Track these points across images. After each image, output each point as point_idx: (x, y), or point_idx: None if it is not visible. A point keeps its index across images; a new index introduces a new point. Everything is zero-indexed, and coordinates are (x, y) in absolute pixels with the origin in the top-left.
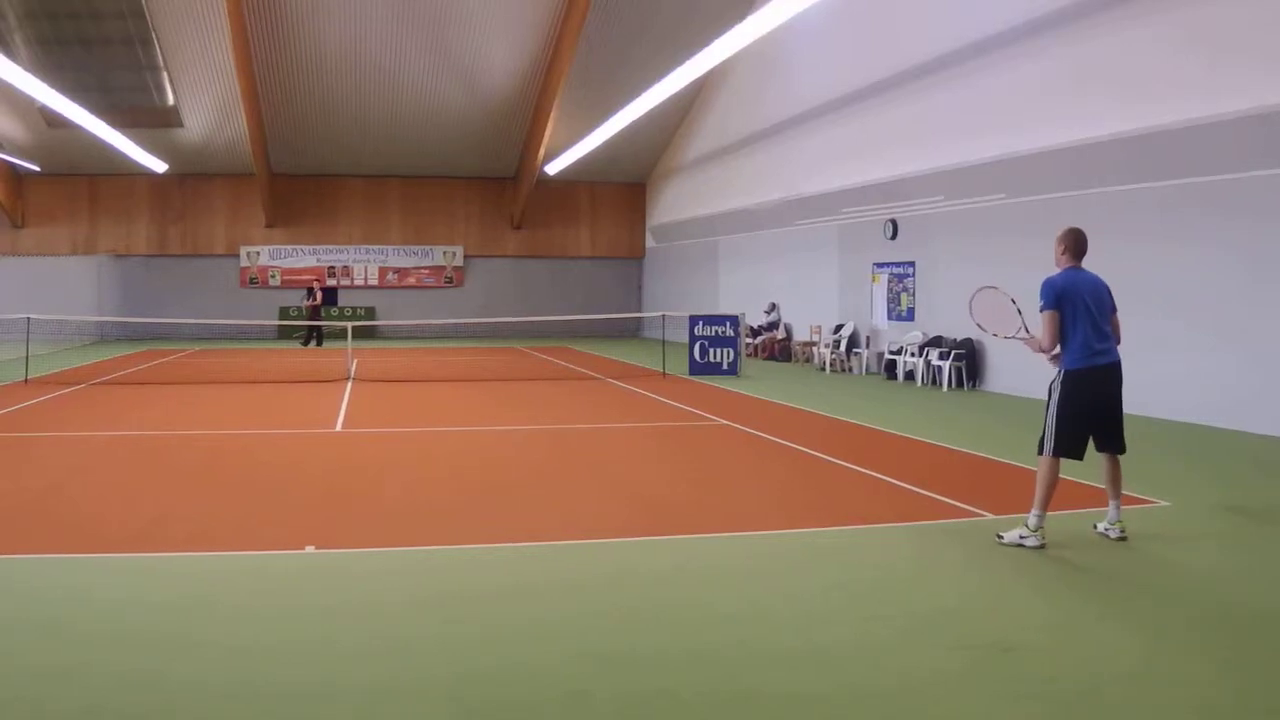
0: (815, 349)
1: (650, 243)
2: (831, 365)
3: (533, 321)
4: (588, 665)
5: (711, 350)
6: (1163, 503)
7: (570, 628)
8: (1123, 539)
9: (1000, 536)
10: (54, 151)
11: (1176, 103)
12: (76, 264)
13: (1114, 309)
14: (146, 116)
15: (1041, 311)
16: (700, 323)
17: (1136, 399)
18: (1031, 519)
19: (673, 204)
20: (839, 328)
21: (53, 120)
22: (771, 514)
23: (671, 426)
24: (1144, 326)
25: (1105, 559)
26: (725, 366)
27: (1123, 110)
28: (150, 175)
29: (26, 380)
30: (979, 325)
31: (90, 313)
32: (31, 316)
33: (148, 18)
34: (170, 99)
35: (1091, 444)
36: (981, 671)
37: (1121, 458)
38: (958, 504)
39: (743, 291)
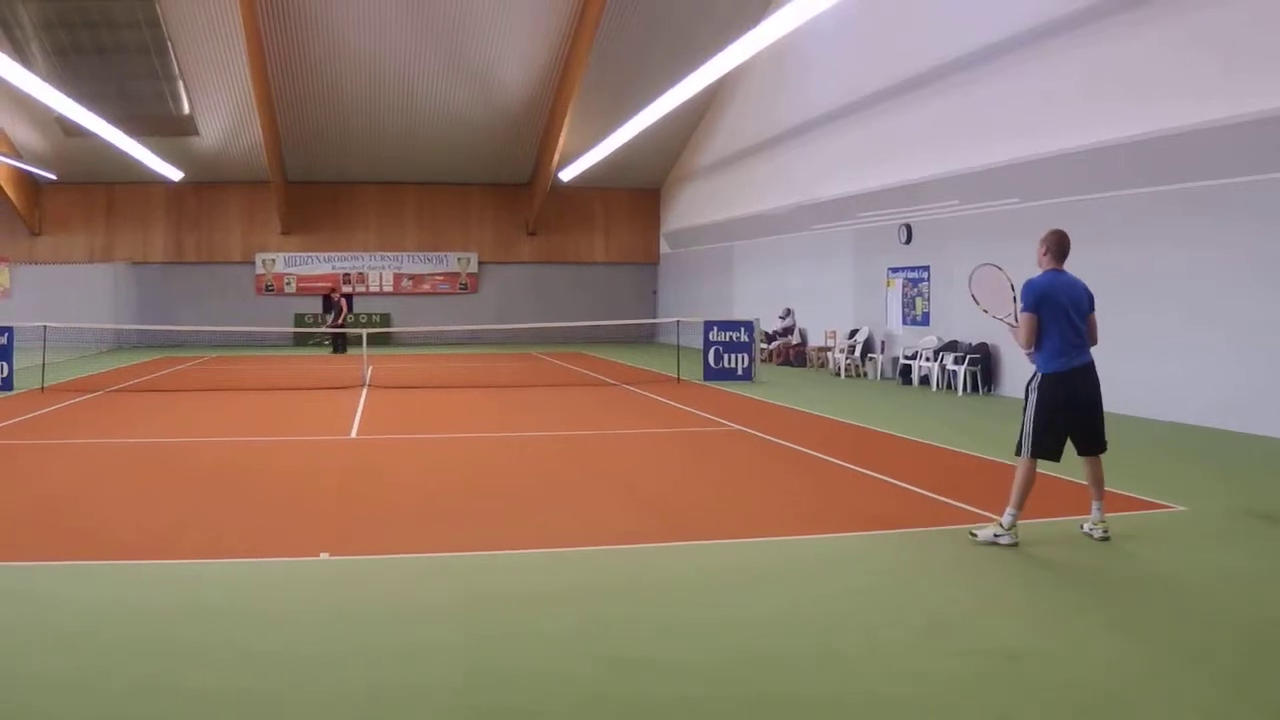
0: (830, 354)
1: (665, 248)
2: (846, 370)
3: (547, 327)
4: (603, 670)
5: (726, 356)
6: (1179, 508)
7: (585, 633)
8: (1105, 539)
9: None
10: (71, 160)
11: (1191, 106)
12: (93, 272)
13: (1091, 310)
14: (162, 125)
15: (1021, 313)
16: (715, 328)
17: (1150, 403)
18: (1006, 518)
19: (687, 209)
20: (854, 332)
21: (70, 129)
22: (786, 519)
23: (687, 432)
24: (1158, 330)
25: (1112, 562)
26: (740, 372)
27: (1136, 113)
28: (166, 183)
29: (43, 388)
30: (973, 297)
31: (107, 320)
32: (48, 325)
33: (163, 27)
34: (186, 107)
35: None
36: (994, 678)
37: (1134, 461)
38: (974, 509)
39: (757, 297)
